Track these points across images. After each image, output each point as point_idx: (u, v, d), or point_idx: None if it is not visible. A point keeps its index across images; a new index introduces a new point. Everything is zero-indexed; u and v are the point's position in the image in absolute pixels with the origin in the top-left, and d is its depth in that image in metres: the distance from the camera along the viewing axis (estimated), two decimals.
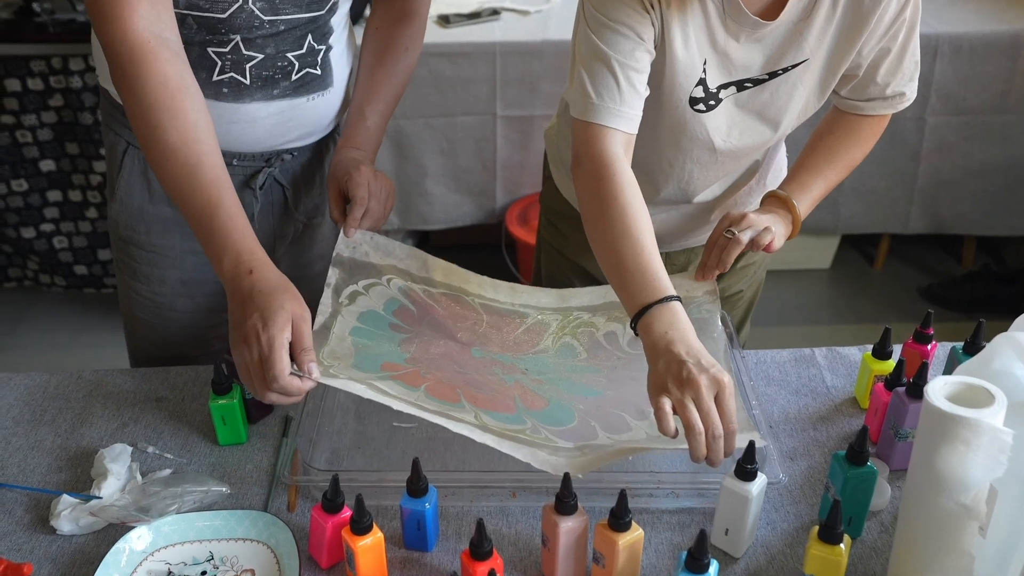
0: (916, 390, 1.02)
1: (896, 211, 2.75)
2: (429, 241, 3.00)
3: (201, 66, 1.11)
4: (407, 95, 2.45)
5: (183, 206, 1.02)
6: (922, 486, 0.86)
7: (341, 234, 1.23)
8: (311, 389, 0.97)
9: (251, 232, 1.01)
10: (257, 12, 1.09)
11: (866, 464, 0.94)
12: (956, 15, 2.57)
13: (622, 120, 1.07)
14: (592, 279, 1.41)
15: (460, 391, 1.07)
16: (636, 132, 1.09)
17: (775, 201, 1.23)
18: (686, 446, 0.90)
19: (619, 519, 0.88)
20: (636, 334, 0.99)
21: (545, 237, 1.49)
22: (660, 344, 0.95)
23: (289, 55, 1.16)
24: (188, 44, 1.08)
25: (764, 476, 0.95)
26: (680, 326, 0.96)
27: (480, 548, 0.87)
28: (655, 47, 1.09)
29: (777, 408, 1.18)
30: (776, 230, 1.18)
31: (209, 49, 1.11)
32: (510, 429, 1.01)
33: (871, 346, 1.16)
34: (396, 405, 0.98)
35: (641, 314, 0.98)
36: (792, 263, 2.91)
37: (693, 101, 1.14)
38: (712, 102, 1.14)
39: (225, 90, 1.15)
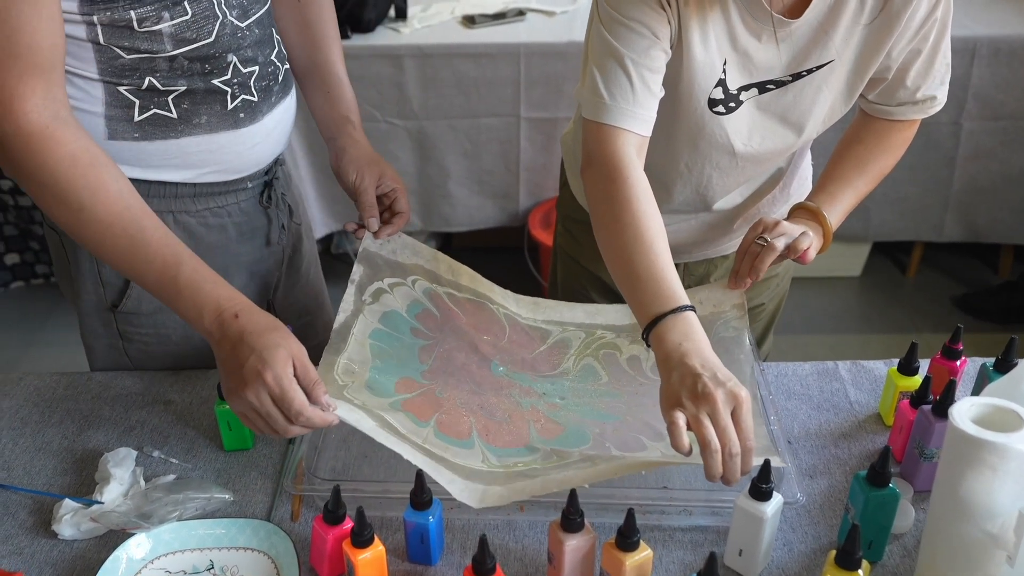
0: (943, 409, 0.97)
1: (930, 218, 2.69)
2: (451, 243, 2.99)
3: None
4: (429, 96, 2.47)
5: (140, 278, 0.98)
6: (946, 512, 0.82)
7: (367, 232, 1.21)
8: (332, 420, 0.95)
9: (222, 279, 0.98)
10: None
11: (888, 486, 0.90)
12: (994, 17, 2.50)
13: (635, 121, 1.04)
14: (607, 288, 1.38)
15: (473, 420, 1.05)
16: (649, 134, 1.06)
17: (804, 213, 1.18)
18: (700, 462, 0.87)
19: (627, 539, 0.85)
20: (648, 345, 0.96)
21: (561, 244, 1.46)
22: (674, 356, 0.91)
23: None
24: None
25: (780, 496, 0.91)
26: (695, 337, 0.92)
27: (483, 565, 0.84)
28: (671, 46, 1.05)
29: (797, 423, 1.14)
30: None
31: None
32: (521, 462, 0.99)
33: (897, 361, 1.12)
34: (405, 455, 0.95)
35: (653, 324, 0.94)
36: (821, 270, 2.85)
37: (712, 103, 1.10)
38: (732, 104, 1.11)
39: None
